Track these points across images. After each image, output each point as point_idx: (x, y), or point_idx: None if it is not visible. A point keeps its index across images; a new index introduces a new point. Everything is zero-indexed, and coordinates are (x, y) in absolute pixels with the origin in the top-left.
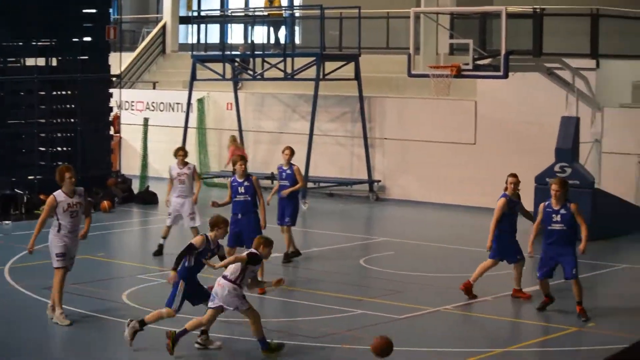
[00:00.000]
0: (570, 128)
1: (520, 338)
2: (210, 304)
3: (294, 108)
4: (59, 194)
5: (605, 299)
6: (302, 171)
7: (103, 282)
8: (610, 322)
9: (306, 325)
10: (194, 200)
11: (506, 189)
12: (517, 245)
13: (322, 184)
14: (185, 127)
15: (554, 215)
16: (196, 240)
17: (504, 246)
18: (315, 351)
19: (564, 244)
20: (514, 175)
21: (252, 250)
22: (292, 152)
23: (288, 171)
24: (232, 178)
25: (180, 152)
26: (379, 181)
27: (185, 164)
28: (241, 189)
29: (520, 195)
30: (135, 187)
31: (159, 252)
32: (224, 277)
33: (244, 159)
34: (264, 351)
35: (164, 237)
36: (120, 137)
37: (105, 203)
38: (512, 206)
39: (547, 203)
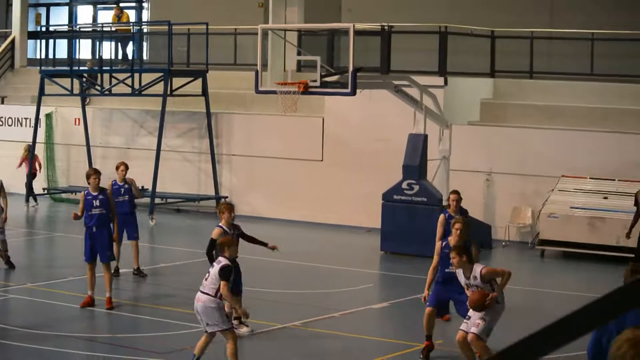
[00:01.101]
0: (417, 145)
1: (369, 355)
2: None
3: (142, 123)
4: None
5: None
6: (149, 186)
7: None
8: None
9: (153, 341)
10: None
11: (448, 206)
12: None
13: (169, 200)
14: (34, 142)
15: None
16: (214, 233)
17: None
18: None
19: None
20: (455, 192)
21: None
22: (127, 168)
23: (126, 186)
24: (86, 191)
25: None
26: (226, 197)
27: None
28: (96, 202)
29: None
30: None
31: None
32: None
33: (97, 172)
34: None
35: None
36: None
37: None
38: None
39: (444, 243)
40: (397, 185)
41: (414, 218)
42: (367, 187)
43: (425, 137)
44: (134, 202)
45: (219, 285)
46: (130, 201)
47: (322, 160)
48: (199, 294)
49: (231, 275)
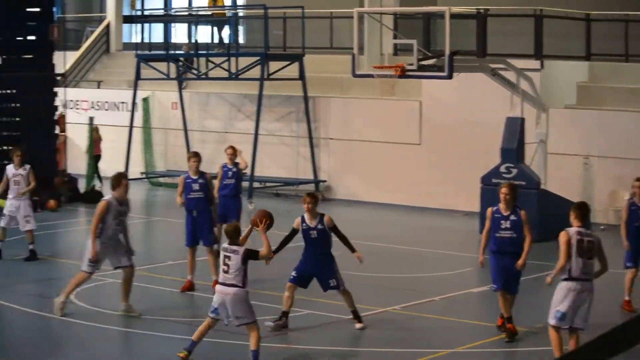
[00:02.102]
0: (515, 128)
1: (469, 338)
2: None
3: (239, 107)
4: (111, 200)
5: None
6: (247, 170)
7: (50, 281)
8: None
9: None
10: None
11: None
12: None
13: (268, 184)
14: (131, 126)
15: (502, 222)
16: (295, 223)
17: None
18: (263, 351)
19: (513, 253)
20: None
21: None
22: (234, 151)
23: (234, 169)
24: (186, 175)
25: (17, 153)
26: (325, 181)
27: (22, 165)
28: (195, 186)
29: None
30: (82, 186)
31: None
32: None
33: (197, 155)
34: None
35: (1, 240)
36: (66, 136)
37: (52, 202)
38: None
39: (495, 208)
40: (496, 168)
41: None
42: (464, 171)
43: (523, 120)
44: (240, 186)
45: (244, 273)
46: (235, 185)
47: (419, 144)
48: (224, 287)
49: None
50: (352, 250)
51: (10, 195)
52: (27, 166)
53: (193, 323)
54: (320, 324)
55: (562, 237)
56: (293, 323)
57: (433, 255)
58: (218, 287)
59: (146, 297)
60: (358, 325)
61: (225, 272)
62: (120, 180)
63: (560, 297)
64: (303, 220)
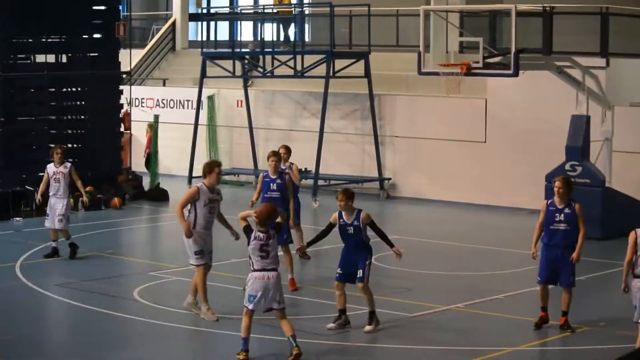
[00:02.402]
0: (580, 126)
1: (532, 337)
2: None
3: (304, 105)
4: (202, 187)
5: (616, 298)
6: (312, 168)
7: (114, 279)
8: (622, 321)
9: (317, 324)
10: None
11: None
12: None
13: (332, 182)
14: (196, 124)
15: (557, 215)
16: (332, 217)
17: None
18: (326, 349)
19: (566, 246)
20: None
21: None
22: (278, 155)
23: (278, 180)
24: (265, 173)
25: (57, 151)
26: (390, 179)
27: (62, 162)
28: (273, 186)
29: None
30: (146, 184)
31: (51, 254)
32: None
33: (277, 154)
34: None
35: (55, 240)
36: (131, 134)
37: (116, 200)
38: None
39: (550, 201)
40: (560, 166)
41: (577, 200)
42: (529, 169)
43: (588, 118)
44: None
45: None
46: (283, 194)
47: (485, 142)
48: (268, 273)
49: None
50: (391, 245)
51: (50, 193)
52: (68, 164)
53: (261, 321)
54: (382, 321)
55: (630, 236)
56: (354, 321)
57: (497, 253)
58: (259, 273)
59: (209, 295)
60: (367, 328)
61: (265, 257)
62: (212, 167)
63: (633, 295)
64: (340, 216)
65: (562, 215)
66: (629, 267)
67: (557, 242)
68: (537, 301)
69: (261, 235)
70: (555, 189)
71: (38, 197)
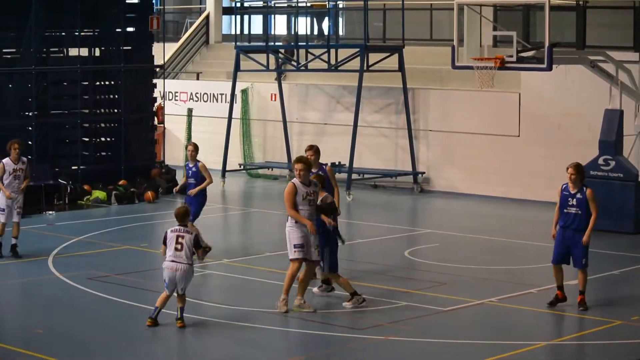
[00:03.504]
0: (613, 121)
1: (565, 331)
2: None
3: (338, 99)
4: (297, 183)
5: None
6: (346, 162)
7: (147, 272)
8: None
9: (350, 317)
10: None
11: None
12: None
13: (366, 175)
14: (230, 118)
15: (570, 199)
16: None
17: None
18: (359, 342)
19: (578, 229)
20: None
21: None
22: (196, 149)
23: (193, 169)
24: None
25: (15, 146)
26: (423, 173)
27: (19, 158)
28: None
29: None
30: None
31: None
32: None
33: (312, 147)
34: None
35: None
36: (164, 128)
37: (149, 193)
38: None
39: (564, 186)
40: (594, 160)
41: (610, 194)
42: (563, 163)
43: (621, 112)
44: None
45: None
46: (198, 183)
47: (518, 136)
48: (174, 264)
49: None
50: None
51: (8, 189)
52: (25, 159)
53: (288, 315)
54: (416, 316)
55: None
56: (391, 315)
57: (531, 247)
58: (168, 263)
59: (243, 289)
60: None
61: (179, 250)
62: (293, 165)
63: None
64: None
65: (575, 199)
66: None
67: (570, 225)
68: (574, 294)
69: (181, 229)
70: (568, 175)
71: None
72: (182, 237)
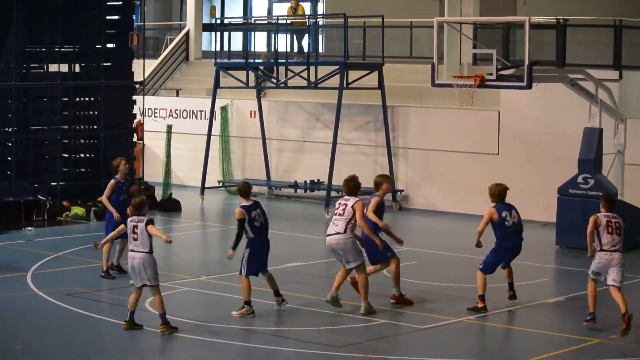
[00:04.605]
0: (593, 139)
1: (542, 349)
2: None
3: (318, 116)
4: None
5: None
6: (325, 179)
7: (125, 289)
8: (632, 334)
9: (328, 334)
10: None
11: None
12: None
13: None
14: (209, 135)
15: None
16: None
17: None
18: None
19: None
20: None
21: None
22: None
23: (127, 184)
24: None
25: None
26: (402, 190)
27: None
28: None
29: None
30: (158, 194)
31: None
32: None
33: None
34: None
35: None
36: (144, 144)
37: (128, 210)
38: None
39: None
40: (573, 179)
41: (589, 212)
42: (542, 181)
43: (601, 131)
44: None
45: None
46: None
47: (498, 154)
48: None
49: None
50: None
51: None
52: None
53: (265, 332)
54: (394, 334)
55: None
56: (369, 333)
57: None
58: (129, 254)
59: (220, 306)
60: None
61: (135, 239)
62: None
63: None
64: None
65: None
66: None
67: None
68: (552, 312)
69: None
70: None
71: None
72: (136, 226)
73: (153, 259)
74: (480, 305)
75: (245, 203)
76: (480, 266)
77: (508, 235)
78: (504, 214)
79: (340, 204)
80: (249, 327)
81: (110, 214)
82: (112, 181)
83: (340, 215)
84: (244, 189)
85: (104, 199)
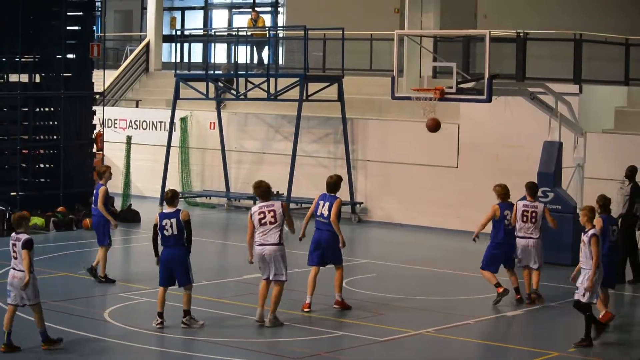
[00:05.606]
0: (552, 153)
1: None
2: None
3: (277, 128)
4: None
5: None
6: (284, 191)
7: (84, 299)
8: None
9: (287, 346)
10: None
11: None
12: None
13: (304, 205)
14: (168, 146)
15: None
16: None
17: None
18: None
19: None
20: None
21: None
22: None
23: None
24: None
25: None
26: (361, 203)
27: None
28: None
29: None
30: (118, 205)
31: None
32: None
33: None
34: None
35: None
36: (103, 155)
37: (87, 220)
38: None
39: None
40: None
41: (548, 225)
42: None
43: (560, 144)
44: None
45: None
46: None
47: (457, 167)
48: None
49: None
50: None
51: None
52: None
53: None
54: (354, 346)
55: None
56: (329, 345)
57: (469, 279)
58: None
59: (177, 318)
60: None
61: (15, 258)
62: None
63: None
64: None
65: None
66: None
67: None
68: (511, 325)
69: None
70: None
71: None
72: (15, 244)
73: (33, 277)
74: (499, 290)
75: (166, 210)
76: (480, 265)
77: (505, 233)
78: (505, 213)
79: (264, 212)
80: (198, 338)
81: (103, 221)
82: (103, 188)
83: (271, 223)
84: (167, 196)
85: (100, 206)
